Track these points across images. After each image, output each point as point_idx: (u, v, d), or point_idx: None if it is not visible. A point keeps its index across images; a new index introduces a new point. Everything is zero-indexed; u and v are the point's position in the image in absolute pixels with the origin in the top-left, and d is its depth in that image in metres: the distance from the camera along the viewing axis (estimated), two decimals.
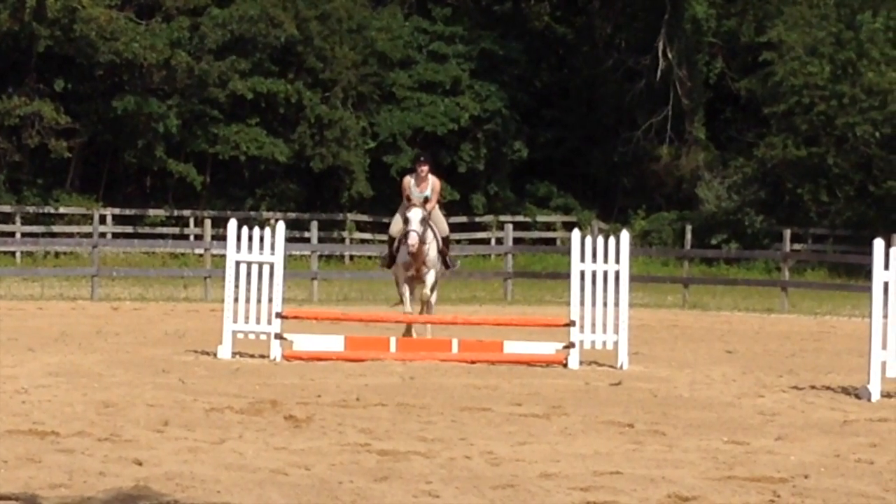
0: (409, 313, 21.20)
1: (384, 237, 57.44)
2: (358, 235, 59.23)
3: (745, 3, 69.34)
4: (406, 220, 20.09)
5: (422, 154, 25.81)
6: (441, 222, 20.90)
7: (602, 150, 69.26)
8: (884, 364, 20.56)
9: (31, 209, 56.27)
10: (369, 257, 51.95)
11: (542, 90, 70.04)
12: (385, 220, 57.79)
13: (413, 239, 19.69)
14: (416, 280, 20.80)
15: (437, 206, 21.80)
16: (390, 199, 60.53)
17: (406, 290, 21.05)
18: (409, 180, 21.73)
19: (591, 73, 69.86)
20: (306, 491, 12.60)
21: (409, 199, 21.48)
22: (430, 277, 21.20)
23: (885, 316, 20.62)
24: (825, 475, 14.03)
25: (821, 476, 13.97)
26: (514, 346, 24.85)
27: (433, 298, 20.76)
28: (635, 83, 68.53)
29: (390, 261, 21.18)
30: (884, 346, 20.57)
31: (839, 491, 13.20)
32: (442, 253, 20.78)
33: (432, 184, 21.51)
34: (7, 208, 55.43)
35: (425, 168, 21.51)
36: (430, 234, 20.95)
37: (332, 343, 24.99)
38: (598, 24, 69.04)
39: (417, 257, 20.54)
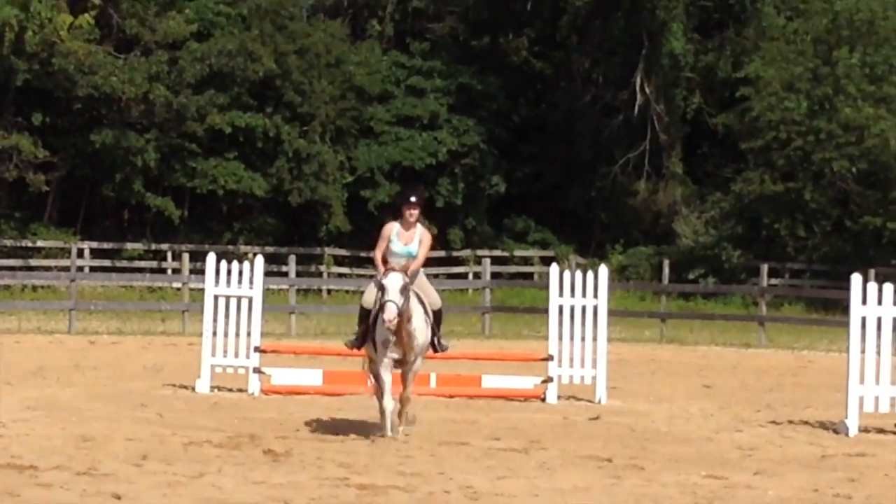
0: (386, 410, 17.12)
1: (362, 271, 57.92)
2: (336, 269, 59.22)
3: (723, 38, 69.56)
4: (382, 289, 16.21)
5: (413, 192, 19.20)
6: (431, 293, 17.42)
7: (580, 185, 69.33)
8: (861, 399, 20.60)
9: (8, 242, 56.19)
10: (347, 291, 51.94)
11: (520, 125, 70.14)
12: (363, 254, 58.11)
13: (391, 312, 15.79)
14: (402, 365, 16.92)
15: (422, 271, 17.76)
16: (367, 234, 60.44)
17: (386, 377, 16.94)
18: (391, 228, 17.37)
19: (568, 108, 69.96)
20: None
21: (384, 262, 17.16)
22: (416, 367, 17.27)
23: (863, 351, 20.66)
24: None
25: None
26: (492, 381, 24.84)
27: (410, 392, 17.42)
28: (613, 118, 68.69)
29: (361, 340, 17.26)
30: (861, 381, 20.61)
31: None
32: (432, 331, 16.94)
33: (421, 235, 17.30)
34: None
35: (415, 212, 17.33)
36: (418, 310, 16.58)
37: (311, 377, 24.98)
38: (576, 59, 69.15)
39: (401, 339, 16.40)
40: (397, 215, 17.49)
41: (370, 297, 16.79)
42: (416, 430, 17.06)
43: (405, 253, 17.07)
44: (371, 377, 18.03)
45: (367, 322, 16.86)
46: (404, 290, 16.13)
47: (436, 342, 17.18)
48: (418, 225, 17.41)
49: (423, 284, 17.07)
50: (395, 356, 16.92)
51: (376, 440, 16.46)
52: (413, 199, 17.63)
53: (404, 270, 16.50)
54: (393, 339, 16.54)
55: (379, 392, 17.22)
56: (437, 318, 17.13)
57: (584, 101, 69.27)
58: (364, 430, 17.81)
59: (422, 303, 16.62)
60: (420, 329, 16.64)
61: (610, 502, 14.19)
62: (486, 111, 68.17)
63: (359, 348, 17.74)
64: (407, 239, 17.16)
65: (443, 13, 71.80)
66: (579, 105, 69.36)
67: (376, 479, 14.97)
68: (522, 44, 69.97)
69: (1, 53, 57.77)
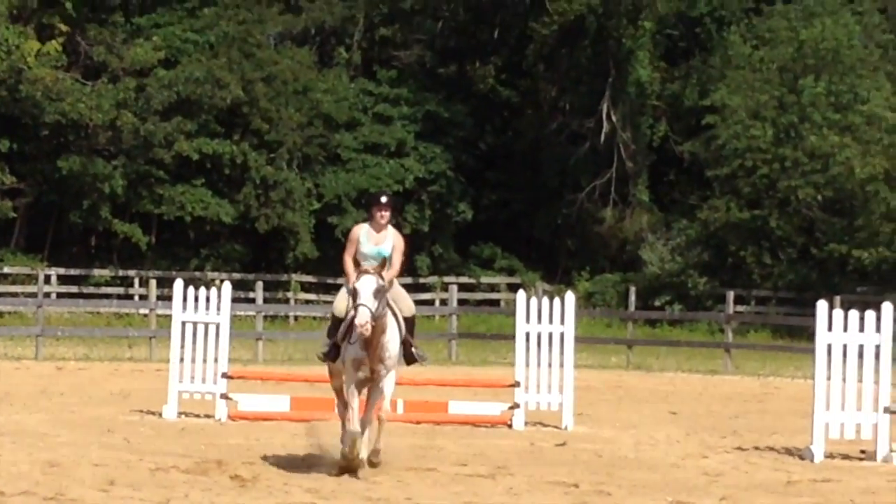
0: (354, 434, 15.40)
1: (329, 297, 57.65)
2: (303, 296, 59.18)
3: (689, 66, 69.68)
4: (354, 293, 14.57)
5: (383, 193, 18.97)
6: (404, 299, 15.86)
7: (546, 212, 69.36)
8: (827, 425, 20.66)
9: None
10: (314, 318, 51.86)
11: (487, 152, 70.15)
12: (329, 280, 58.16)
13: (363, 316, 14.06)
14: (369, 382, 15.22)
15: (396, 280, 15.98)
16: (334, 261, 60.18)
17: (354, 399, 15.39)
18: (359, 230, 15.94)
19: (535, 136, 70.03)
20: None
21: (356, 264, 15.42)
22: (389, 385, 15.60)
23: (829, 377, 20.74)
24: None
25: None
26: (459, 407, 24.83)
27: (386, 401, 15.74)
28: (579, 146, 68.74)
29: (334, 353, 15.58)
30: (827, 408, 20.68)
31: None
32: (405, 343, 15.40)
33: (393, 239, 15.79)
34: None
35: (387, 213, 15.80)
36: (391, 320, 15.09)
37: (278, 403, 24.94)
38: (543, 88, 69.24)
39: (373, 352, 14.74)
40: (367, 217, 16.62)
41: (342, 304, 15.47)
42: (381, 457, 16.42)
43: (375, 254, 15.41)
44: (337, 398, 16.92)
45: (338, 331, 15.39)
46: (378, 293, 14.55)
47: (414, 353, 15.95)
48: (390, 227, 15.96)
49: (396, 291, 15.74)
50: (364, 374, 15.32)
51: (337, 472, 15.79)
52: (383, 199, 16.34)
53: (378, 272, 14.82)
54: (364, 353, 14.96)
55: (344, 415, 15.79)
56: (410, 326, 15.71)
57: (551, 129, 69.34)
58: (331, 455, 17.80)
59: (395, 315, 15.32)
60: (392, 342, 15.12)
61: None
62: (452, 138, 68.17)
63: (333, 361, 16.04)
64: (378, 240, 15.62)
65: (410, 41, 71.82)
66: (546, 133, 69.45)
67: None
68: (489, 72, 70.00)
69: None
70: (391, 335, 15.08)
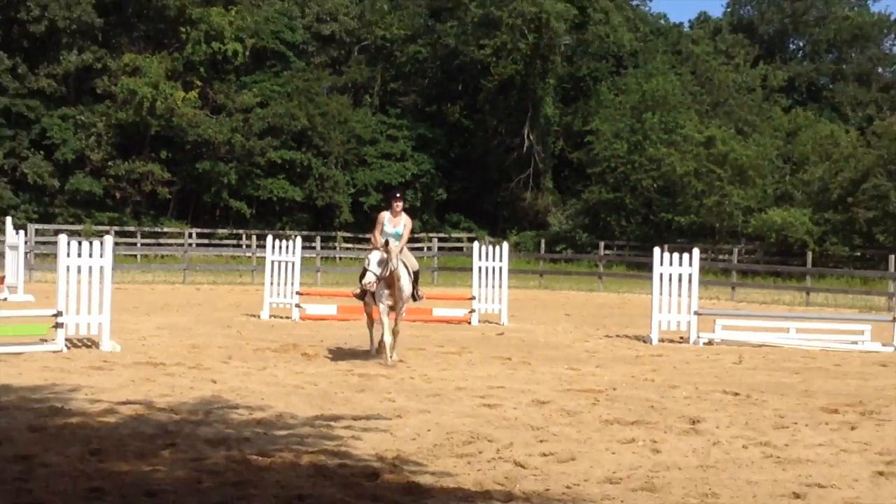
0: (385, 343, 16.03)
1: (361, 247, 57.65)
2: (344, 245, 58.65)
3: (576, 106, 69.11)
4: (368, 262, 15.85)
5: (398, 190, 20.23)
6: (412, 261, 16.80)
7: (491, 195, 68.64)
8: (660, 322, 20.73)
9: (146, 229, 55.70)
10: (351, 259, 51.30)
11: (455, 159, 69.37)
12: (360, 236, 58.00)
13: (369, 278, 15.52)
14: (392, 309, 16.06)
15: (405, 247, 16.97)
16: (364, 224, 60.15)
17: (385, 317, 16.04)
18: (384, 215, 16.95)
19: (483, 149, 69.19)
20: (315, 398, 12.76)
21: (373, 235, 16.93)
22: (403, 310, 16.55)
23: (661, 293, 20.78)
24: (626, 388, 14.20)
25: (623, 388, 14.14)
26: (439, 311, 24.81)
27: (398, 327, 16.37)
28: (511, 154, 67.92)
29: (362, 294, 16.58)
30: (660, 311, 20.74)
31: (634, 397, 13.38)
32: (413, 285, 16.43)
33: (405, 221, 16.91)
34: (132, 228, 54.82)
35: (400, 204, 16.96)
36: (405, 273, 16.12)
37: (329, 309, 25.00)
38: (488, 119, 68.51)
39: (393, 292, 15.86)
40: (387, 206, 17.17)
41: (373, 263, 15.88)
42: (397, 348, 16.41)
43: (394, 233, 16.47)
44: (366, 316, 17.40)
45: (362, 286, 16.45)
46: (381, 263, 15.59)
47: (415, 293, 16.69)
48: (403, 213, 16.97)
49: (407, 255, 16.62)
50: (390, 303, 16.11)
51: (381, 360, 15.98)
52: (398, 194, 17.50)
53: (385, 248, 15.76)
54: (387, 292, 15.93)
55: (371, 325, 16.93)
56: (416, 277, 16.64)
57: (493, 144, 68.55)
58: (363, 341, 17.81)
59: (407, 268, 16.25)
60: (406, 285, 16.10)
61: (510, 384, 14.30)
62: (434, 150, 67.59)
63: (360, 298, 16.99)
64: (395, 223, 16.71)
65: (408, 91, 71.22)
66: (490, 146, 68.69)
67: (369, 371, 15.11)
68: (456, 110, 69.22)
69: (142, 114, 57.37)
70: (405, 282, 16.05)
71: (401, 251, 16.22)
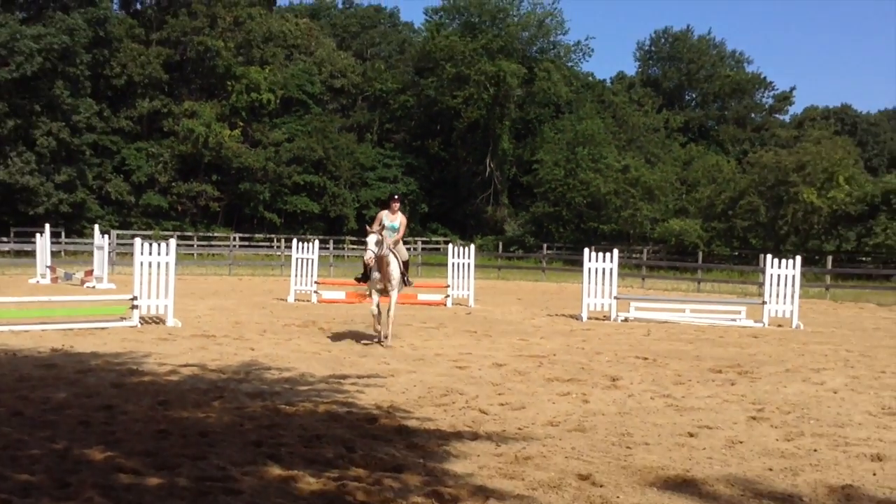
0: (375, 312, 15.07)
1: (365, 248, 57.79)
2: (350, 246, 58.50)
3: (525, 142, 69.08)
4: (367, 244, 14.74)
5: (395, 193, 20.24)
6: (403, 251, 15.87)
7: (461, 208, 68.53)
8: (588, 304, 20.72)
9: (201, 234, 55.34)
10: (356, 257, 51.22)
11: (434, 181, 69.19)
12: (363, 239, 57.99)
13: (368, 255, 14.60)
14: (384, 292, 15.17)
15: (400, 240, 15.92)
16: (366, 231, 60.11)
17: (375, 296, 15.04)
18: (382, 213, 15.74)
19: (456, 173, 69.08)
20: (329, 362, 12.71)
21: (368, 226, 15.44)
22: (394, 296, 15.31)
23: (589, 282, 20.77)
24: (563, 354, 14.19)
25: (561, 354, 14.13)
26: (423, 296, 24.73)
27: (393, 311, 15.28)
28: (476, 177, 67.87)
29: (364, 278, 15.48)
30: (589, 296, 20.73)
31: (569, 361, 13.37)
32: (402, 274, 15.30)
33: (400, 219, 15.81)
34: (190, 233, 54.59)
35: (397, 204, 15.92)
36: (394, 261, 15.07)
37: (339, 295, 24.91)
38: (460, 151, 68.39)
39: (384, 276, 14.92)
40: (386, 206, 16.07)
41: (367, 255, 14.82)
42: (391, 329, 16.32)
43: (391, 227, 15.37)
44: (369, 296, 15.80)
45: (365, 266, 15.21)
46: (377, 244, 14.46)
47: (405, 279, 15.47)
48: (399, 212, 15.86)
49: (400, 247, 15.54)
50: (381, 287, 15.08)
51: (369, 342, 14.82)
52: (396, 196, 16.48)
53: (379, 232, 14.72)
54: (379, 276, 14.86)
55: (372, 306, 15.10)
56: (406, 266, 15.65)
57: (463, 170, 68.47)
58: (365, 319, 17.75)
59: (397, 257, 15.15)
60: (395, 271, 14.92)
61: (476, 351, 14.29)
62: (418, 175, 67.54)
63: (363, 281, 15.67)
64: (392, 219, 15.54)
65: (399, 130, 71.24)
66: (461, 172, 68.60)
67: (370, 341, 15.03)
68: (435, 144, 69.10)
69: (197, 147, 57.36)
70: (394, 268, 14.94)
71: (395, 244, 15.25)
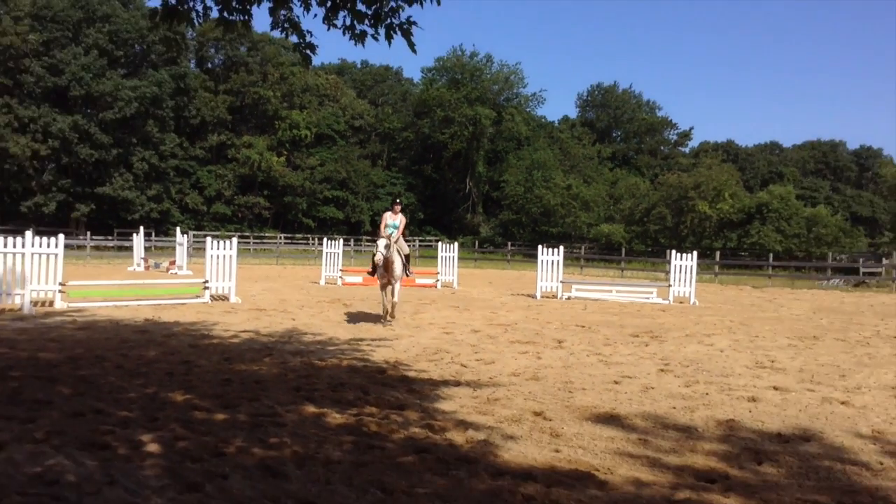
0: (385, 304, 13.80)
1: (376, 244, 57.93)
2: (367, 244, 58.51)
3: (497, 166, 69.21)
4: (378, 246, 13.43)
5: (397, 196, 17.87)
6: (404, 246, 14.33)
7: (448, 216, 68.37)
8: (541, 287, 20.67)
9: (256, 234, 55.22)
10: (370, 251, 51.24)
11: (428, 196, 68.89)
12: (373, 237, 57.93)
13: (378, 257, 13.26)
14: (388, 285, 13.70)
15: (401, 236, 14.59)
16: (377, 232, 60.06)
17: (382, 291, 13.79)
18: (386, 214, 14.42)
19: (444, 190, 68.86)
20: (350, 329, 12.66)
21: (380, 229, 14.29)
22: (397, 287, 13.78)
23: (542, 271, 20.71)
24: (522, 323, 14.17)
25: (521, 324, 14.11)
26: (419, 280, 24.58)
27: (397, 298, 13.79)
28: (459, 193, 67.82)
29: (373, 271, 14.02)
30: (541, 281, 20.67)
31: (527, 328, 13.36)
32: (403, 266, 14.01)
33: (401, 218, 14.41)
34: (248, 234, 54.39)
35: (398, 206, 14.45)
36: (397, 257, 13.75)
37: (358, 279, 24.79)
38: (446, 173, 68.33)
39: (389, 272, 13.59)
40: (389, 208, 14.45)
41: (375, 249, 13.61)
42: (396, 312, 16.30)
43: (394, 225, 14.07)
44: (380, 285, 14.24)
45: (374, 263, 13.77)
46: (387, 247, 13.22)
47: (406, 271, 14.02)
48: (400, 213, 14.36)
49: (402, 243, 14.17)
50: (384, 281, 13.66)
51: (380, 321, 13.63)
52: (398, 199, 15.47)
53: (388, 237, 13.44)
54: (384, 272, 13.46)
55: (387, 295, 13.73)
56: (407, 259, 14.29)
57: (449, 188, 68.32)
58: (377, 297, 17.69)
59: (399, 254, 13.76)
60: (398, 269, 13.54)
61: (459, 321, 14.25)
62: (416, 191, 67.43)
63: (372, 274, 14.21)
64: (394, 219, 14.16)
65: (402, 158, 71.07)
66: (448, 189, 68.44)
67: (380, 313, 14.99)
68: (429, 169, 69.04)
69: (253, 170, 57.20)
70: (397, 265, 13.54)
71: (397, 240, 13.90)
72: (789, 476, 5.16)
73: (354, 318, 14.41)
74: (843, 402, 7.61)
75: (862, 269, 34.22)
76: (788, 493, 4.81)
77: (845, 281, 32.51)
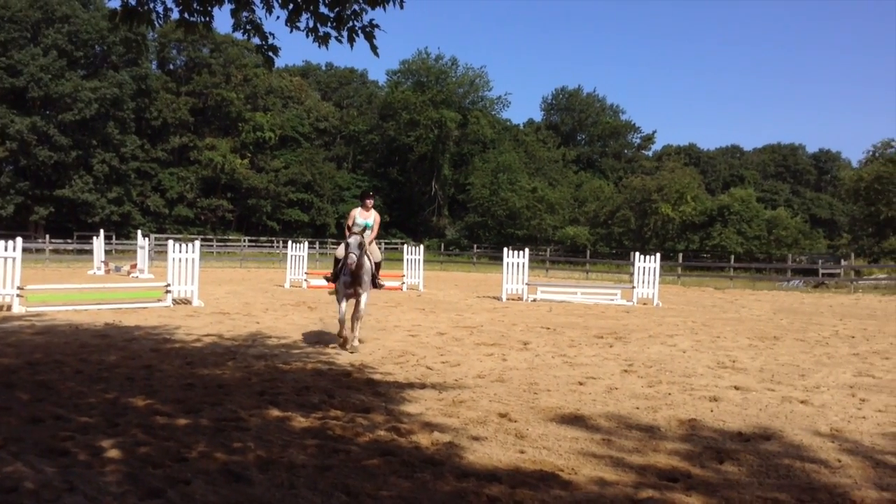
0: (342, 318, 10.89)
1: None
2: (331, 247, 58.37)
3: (462, 169, 69.41)
4: (347, 246, 10.78)
5: (371, 189, 14.04)
6: (376, 252, 11.50)
7: (414, 218, 68.47)
8: (507, 289, 20.74)
9: (219, 237, 54.79)
10: (332, 253, 51.21)
11: (394, 198, 69.00)
12: (339, 240, 57.71)
13: (351, 259, 10.54)
14: (353, 296, 11.06)
15: (374, 241, 11.83)
16: (341, 233, 59.99)
17: (343, 303, 11.02)
18: (355, 211, 11.46)
19: (410, 192, 68.99)
20: (315, 331, 12.55)
21: (349, 229, 11.27)
22: (364, 299, 10.94)
23: (507, 273, 20.78)
24: (488, 325, 14.21)
25: (486, 326, 14.15)
26: (385, 283, 24.62)
27: (362, 312, 11.05)
28: (425, 196, 67.93)
29: (335, 277, 11.33)
30: (507, 283, 20.76)
31: (492, 330, 13.38)
32: (373, 276, 11.20)
33: (374, 217, 11.55)
34: (211, 237, 53.90)
35: (370, 201, 11.55)
36: (367, 263, 10.91)
37: (322, 282, 24.66)
38: (412, 176, 68.36)
39: (356, 280, 10.81)
40: (359, 204, 11.54)
41: (341, 251, 10.97)
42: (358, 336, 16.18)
43: (364, 224, 11.14)
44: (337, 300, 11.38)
45: (337, 266, 11.06)
46: (360, 246, 10.60)
47: (376, 282, 11.25)
48: (373, 210, 11.51)
49: (373, 248, 11.43)
50: (350, 292, 10.83)
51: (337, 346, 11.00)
52: (371, 193, 11.79)
53: (361, 234, 10.73)
54: (350, 280, 10.67)
55: (339, 310, 11.10)
56: (377, 267, 11.31)
57: (415, 190, 68.42)
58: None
59: (370, 259, 10.97)
60: (367, 276, 10.81)
61: (425, 323, 14.23)
62: (382, 194, 67.21)
63: (333, 281, 11.34)
64: (365, 217, 11.28)
65: (368, 160, 70.96)
66: (414, 191, 68.54)
67: (349, 316, 14.91)
68: (395, 172, 69.06)
69: (216, 172, 56.71)
70: (366, 271, 10.78)
71: (370, 243, 11.26)
72: (750, 474, 5.24)
73: (319, 321, 14.33)
74: (802, 402, 7.74)
75: (821, 271, 34.92)
76: (749, 491, 4.88)
77: (805, 282, 33.12)
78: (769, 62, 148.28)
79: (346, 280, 10.65)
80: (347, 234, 10.75)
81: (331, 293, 11.81)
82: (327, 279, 11.86)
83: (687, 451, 5.78)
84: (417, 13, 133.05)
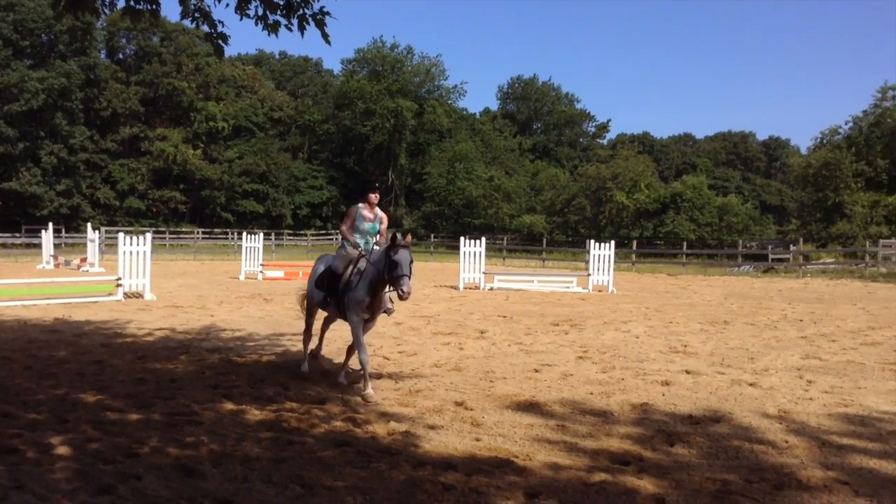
0: (363, 362, 7.19)
1: (297, 240, 57.51)
2: (287, 238, 57.87)
3: (419, 159, 69.17)
4: (396, 264, 6.93)
5: (375, 182, 9.66)
6: None
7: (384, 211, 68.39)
8: (464, 278, 20.81)
9: (172, 229, 53.97)
10: (291, 245, 50.76)
11: (351, 188, 67.94)
12: (298, 232, 57.03)
13: (409, 286, 6.89)
14: (368, 321, 7.47)
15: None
16: (298, 227, 59.48)
17: (361, 335, 7.30)
18: (356, 209, 7.98)
19: (367, 182, 68.39)
20: (271, 324, 12.51)
21: (345, 233, 7.88)
22: (369, 328, 7.63)
23: (464, 262, 20.86)
24: (445, 314, 14.25)
25: (443, 315, 14.19)
26: None
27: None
28: (383, 185, 67.54)
29: (325, 302, 7.85)
30: (464, 272, 20.82)
31: (449, 319, 13.43)
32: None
33: (381, 216, 8.11)
34: (163, 229, 53.18)
35: (376, 196, 8.03)
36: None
37: (279, 273, 24.50)
38: (369, 165, 67.90)
39: (377, 300, 7.38)
40: (361, 199, 8.11)
41: (341, 264, 7.71)
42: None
43: (371, 229, 7.90)
44: (305, 325, 8.61)
45: (334, 284, 7.67)
46: (411, 263, 7.10)
47: (388, 306, 7.90)
48: (377, 208, 8.02)
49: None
50: (366, 316, 7.32)
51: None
52: (377, 185, 8.37)
53: (407, 246, 7.14)
54: (368, 300, 7.26)
55: (306, 343, 8.55)
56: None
57: (372, 180, 67.23)
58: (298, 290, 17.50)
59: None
60: (388, 297, 7.78)
61: (419, 313, 14.21)
62: (339, 184, 66.61)
63: (325, 308, 7.96)
64: (370, 218, 7.88)
65: (324, 150, 70.20)
66: (370, 181, 68.25)
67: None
68: (351, 161, 68.48)
69: (168, 163, 55.89)
70: (385, 294, 7.60)
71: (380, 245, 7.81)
72: (700, 456, 5.35)
73: (275, 312, 14.21)
74: (751, 384, 7.92)
75: (771, 256, 35.65)
76: (699, 472, 4.99)
77: (755, 267, 33.80)
78: (721, 50, 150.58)
79: (363, 300, 7.35)
80: (347, 237, 7.94)
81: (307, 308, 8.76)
82: (320, 304, 8.13)
83: (639, 434, 5.87)
84: (371, 1, 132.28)
